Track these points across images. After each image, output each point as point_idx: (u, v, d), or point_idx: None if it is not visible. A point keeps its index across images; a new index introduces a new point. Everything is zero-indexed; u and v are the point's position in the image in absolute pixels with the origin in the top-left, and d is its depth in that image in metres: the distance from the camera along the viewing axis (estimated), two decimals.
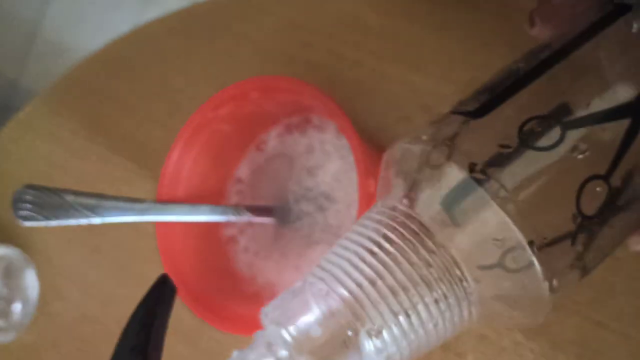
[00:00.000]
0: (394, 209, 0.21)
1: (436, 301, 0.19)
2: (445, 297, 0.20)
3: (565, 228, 0.19)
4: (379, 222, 0.21)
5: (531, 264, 0.19)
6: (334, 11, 0.40)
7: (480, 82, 0.23)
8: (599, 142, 0.20)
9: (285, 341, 0.19)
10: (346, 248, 0.20)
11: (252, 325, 0.28)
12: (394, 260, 0.19)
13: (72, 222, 0.30)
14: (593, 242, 0.20)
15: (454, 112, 0.22)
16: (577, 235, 0.20)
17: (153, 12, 0.45)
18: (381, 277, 0.19)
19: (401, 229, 0.20)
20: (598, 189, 0.20)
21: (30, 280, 0.43)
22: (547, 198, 0.19)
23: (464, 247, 0.20)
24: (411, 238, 0.20)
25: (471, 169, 0.19)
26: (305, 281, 0.20)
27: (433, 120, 0.22)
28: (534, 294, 0.20)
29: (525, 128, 0.20)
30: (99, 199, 0.31)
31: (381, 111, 0.37)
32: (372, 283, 0.19)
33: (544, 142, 0.19)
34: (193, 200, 0.35)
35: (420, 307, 0.19)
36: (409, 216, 0.20)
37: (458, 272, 0.20)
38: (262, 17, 0.43)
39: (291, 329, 0.19)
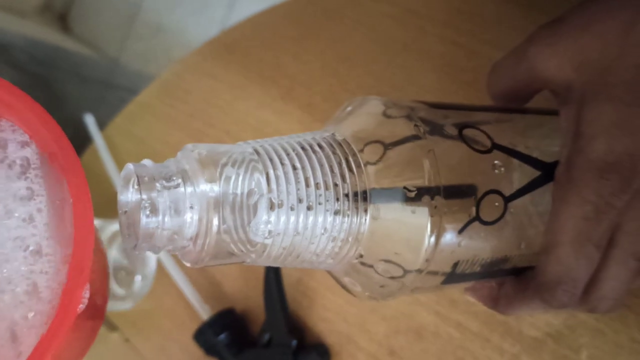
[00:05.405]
0: (333, 134, 0.24)
1: (336, 212, 0.22)
2: (344, 215, 0.22)
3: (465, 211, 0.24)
4: (315, 136, 0.24)
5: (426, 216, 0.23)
6: None
7: None
8: (514, 171, 0.25)
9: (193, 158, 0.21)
10: (283, 139, 0.23)
11: None
12: (319, 160, 0.23)
13: None
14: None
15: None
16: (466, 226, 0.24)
17: None
18: (303, 167, 0.22)
19: (335, 145, 0.23)
20: (496, 204, 0.24)
21: (149, 254, 0.46)
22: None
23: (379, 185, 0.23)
24: (340, 154, 0.23)
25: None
26: (239, 144, 0.23)
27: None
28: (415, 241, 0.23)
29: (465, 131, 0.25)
30: None
31: None
32: (294, 167, 0.22)
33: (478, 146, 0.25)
34: None
35: (321, 208, 0.22)
36: (344, 141, 0.24)
37: (364, 204, 0.23)
38: (375, 3, 0.43)
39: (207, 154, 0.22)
